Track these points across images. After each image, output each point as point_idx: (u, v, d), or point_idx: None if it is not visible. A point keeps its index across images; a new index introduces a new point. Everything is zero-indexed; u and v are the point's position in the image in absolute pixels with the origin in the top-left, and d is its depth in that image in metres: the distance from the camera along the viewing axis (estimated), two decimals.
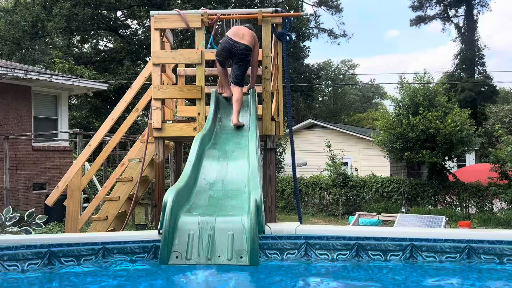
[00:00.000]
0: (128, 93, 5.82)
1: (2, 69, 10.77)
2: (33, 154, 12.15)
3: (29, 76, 11.19)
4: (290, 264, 2.34)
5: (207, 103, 5.21)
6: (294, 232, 2.43)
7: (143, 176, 5.75)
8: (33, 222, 2.88)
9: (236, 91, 4.91)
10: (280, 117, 5.16)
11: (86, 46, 29.18)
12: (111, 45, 30.12)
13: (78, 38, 26.07)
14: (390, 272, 2.28)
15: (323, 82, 50.72)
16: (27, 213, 3.03)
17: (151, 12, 5.04)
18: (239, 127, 4.66)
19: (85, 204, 10.42)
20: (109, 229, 5.79)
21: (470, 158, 23.19)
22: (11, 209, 2.96)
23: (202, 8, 5.35)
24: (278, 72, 5.18)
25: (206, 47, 5.15)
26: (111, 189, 6.32)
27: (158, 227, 2.37)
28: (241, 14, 5.20)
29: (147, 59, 25.97)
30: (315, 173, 17.02)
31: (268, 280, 2.22)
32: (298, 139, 19.31)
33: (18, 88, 11.70)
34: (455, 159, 16.29)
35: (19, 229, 2.69)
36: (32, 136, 11.74)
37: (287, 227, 2.47)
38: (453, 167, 17.19)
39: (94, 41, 28.75)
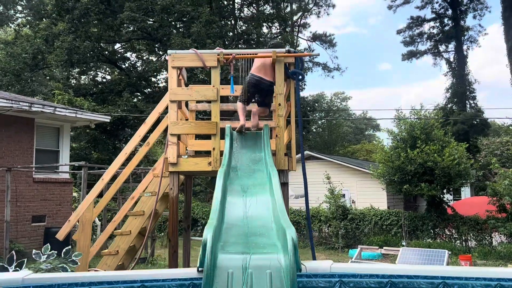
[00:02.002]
0: (141, 128, 5.93)
1: (7, 101, 10.87)
2: (33, 186, 12.11)
3: (33, 109, 11.29)
4: None
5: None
6: (329, 270, 2.49)
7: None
8: (70, 259, 2.92)
9: (262, 110, 5.65)
10: (293, 152, 5.28)
11: (83, 77, 29.52)
12: (109, 77, 30.47)
13: (77, 70, 26.40)
14: None
15: (317, 114, 51.33)
16: (64, 250, 3.06)
17: (169, 51, 5.21)
18: (259, 129, 5.29)
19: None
20: (119, 263, 5.77)
21: (465, 191, 23.36)
22: (49, 247, 2.98)
23: (218, 47, 5.55)
24: (291, 109, 5.33)
25: (232, 91, 5.42)
26: (120, 224, 6.33)
27: (198, 265, 2.43)
28: (255, 53, 5.39)
29: (146, 91, 26.30)
30: (313, 205, 17.04)
31: None
32: (295, 171, 19.40)
33: (22, 120, 11.77)
34: (452, 193, 16.46)
35: (52, 265, 2.71)
36: (34, 168, 11.72)
37: (321, 265, 2.54)
38: (450, 200, 17.32)
39: (93, 72, 29.12)
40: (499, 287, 2.37)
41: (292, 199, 18.26)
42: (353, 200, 20.38)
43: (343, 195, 18.20)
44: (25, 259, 2.72)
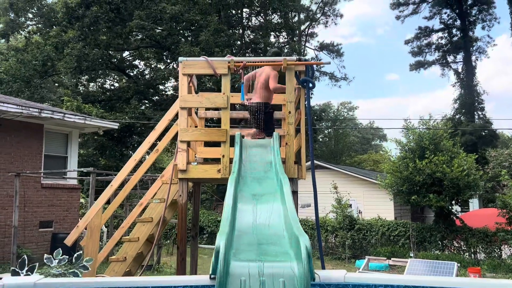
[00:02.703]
0: (151, 134, 5.93)
1: (18, 107, 10.97)
2: (41, 191, 12.16)
3: (43, 115, 11.37)
4: None
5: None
6: (342, 280, 2.46)
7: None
8: (80, 265, 2.91)
9: (255, 132, 5.72)
10: (303, 161, 5.25)
11: (91, 85, 29.77)
12: (117, 84, 30.70)
13: (86, 77, 26.63)
14: None
15: (323, 124, 51.27)
16: (75, 255, 3.05)
17: (180, 59, 5.22)
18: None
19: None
20: (126, 270, 5.75)
21: (474, 203, 23.15)
22: (61, 252, 2.97)
23: (228, 55, 5.57)
24: (301, 117, 5.32)
25: (242, 98, 5.43)
26: (127, 231, 6.31)
27: (210, 273, 2.40)
28: (266, 62, 5.40)
29: (154, 99, 26.44)
30: (320, 214, 16.94)
31: None
32: (302, 180, 19.34)
33: (31, 126, 11.85)
34: (460, 204, 16.32)
35: (63, 270, 2.70)
36: (42, 174, 11.78)
37: (335, 274, 2.50)
38: (458, 212, 17.15)
39: (101, 80, 29.37)
40: None
41: (299, 208, 18.19)
42: (360, 211, 20.26)
43: (350, 205, 18.10)
44: (37, 264, 2.71)
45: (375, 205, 19.64)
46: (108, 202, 6.78)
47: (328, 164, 23.28)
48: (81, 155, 22.42)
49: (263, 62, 5.43)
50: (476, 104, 36.78)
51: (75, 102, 20.51)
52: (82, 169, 11.47)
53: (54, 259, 2.88)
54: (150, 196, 6.25)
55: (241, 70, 5.28)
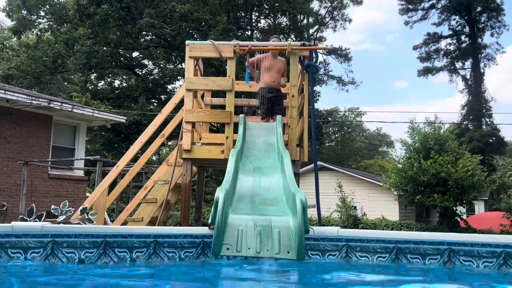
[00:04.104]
0: (157, 117, 6.06)
1: (27, 97, 11.16)
2: (48, 181, 12.32)
3: (52, 105, 11.55)
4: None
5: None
6: (336, 234, 2.54)
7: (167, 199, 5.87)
8: (86, 218, 3.02)
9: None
10: (305, 144, 5.35)
11: (101, 83, 30.08)
12: (125, 84, 30.97)
13: (95, 74, 26.93)
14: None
15: (330, 129, 51.26)
16: (81, 208, 3.18)
17: (187, 42, 5.35)
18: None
19: None
20: None
21: (479, 207, 23.06)
22: (67, 203, 3.10)
23: (234, 39, 5.68)
24: (304, 101, 5.42)
25: (246, 81, 5.51)
26: (132, 212, 6.42)
27: (209, 222, 2.50)
28: (271, 46, 5.51)
29: (162, 97, 26.64)
30: (325, 214, 16.98)
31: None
32: (307, 181, 19.40)
33: (40, 116, 12.04)
34: (465, 205, 16.27)
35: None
36: (49, 163, 11.95)
37: (329, 229, 2.59)
38: (463, 214, 17.11)
39: (109, 79, 29.65)
40: (504, 254, 2.39)
41: None
42: (364, 213, 20.25)
43: (355, 207, 18.11)
44: (44, 212, 2.82)
45: (380, 207, 19.64)
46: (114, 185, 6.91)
47: (334, 165, 23.31)
48: (88, 150, 22.65)
49: (269, 46, 5.54)
50: (484, 111, 36.62)
51: (83, 98, 20.75)
52: (89, 157, 11.63)
53: (61, 210, 3.00)
54: (155, 179, 6.36)
55: (247, 56, 5.40)
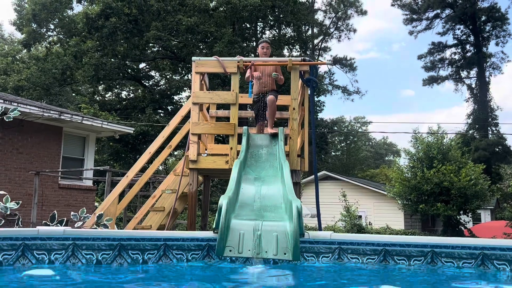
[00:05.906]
0: (165, 129, 6.34)
1: (39, 109, 11.54)
2: (58, 191, 12.64)
3: (62, 117, 11.91)
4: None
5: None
6: (329, 238, 2.79)
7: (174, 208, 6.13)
8: (102, 223, 3.29)
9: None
10: (305, 154, 5.60)
11: (109, 94, 30.58)
12: (132, 95, 31.46)
13: (103, 86, 27.43)
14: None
15: (336, 138, 51.43)
16: (97, 214, 3.45)
17: (193, 58, 5.65)
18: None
19: None
20: None
21: (485, 216, 23.08)
22: (85, 210, 3.37)
23: (238, 55, 5.98)
24: (305, 114, 5.68)
25: (250, 95, 5.80)
26: (141, 220, 6.69)
27: (214, 227, 2.76)
28: (273, 61, 5.80)
29: (169, 108, 27.06)
30: (329, 223, 17.15)
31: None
32: (311, 190, 19.60)
33: (51, 128, 12.40)
34: (470, 214, 16.36)
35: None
36: (60, 174, 12.27)
37: (322, 234, 2.84)
38: (468, 222, 17.20)
39: (117, 90, 30.16)
40: (482, 256, 2.61)
41: (308, 218, 18.40)
42: (369, 222, 20.36)
43: (360, 216, 18.25)
44: (65, 218, 3.10)
45: (385, 216, 19.74)
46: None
47: (338, 175, 23.48)
48: (96, 161, 22.99)
49: (270, 62, 5.82)
50: (490, 120, 36.66)
51: (92, 109, 21.17)
52: (99, 167, 11.94)
53: (79, 216, 3.27)
54: (163, 188, 6.63)
55: (249, 70, 5.68)
